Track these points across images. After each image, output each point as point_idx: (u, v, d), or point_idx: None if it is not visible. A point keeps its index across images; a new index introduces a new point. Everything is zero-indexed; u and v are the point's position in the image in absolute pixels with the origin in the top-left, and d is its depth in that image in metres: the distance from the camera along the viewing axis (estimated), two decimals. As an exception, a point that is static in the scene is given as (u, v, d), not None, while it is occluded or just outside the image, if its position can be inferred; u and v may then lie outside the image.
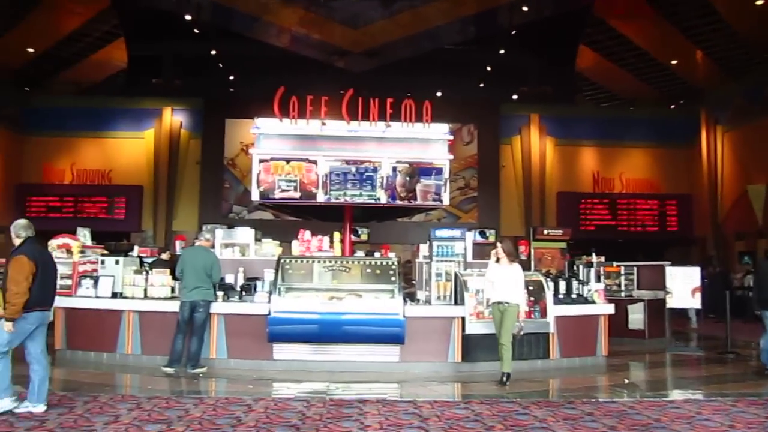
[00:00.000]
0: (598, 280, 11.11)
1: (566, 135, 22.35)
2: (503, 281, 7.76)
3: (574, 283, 9.81)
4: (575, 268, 12.19)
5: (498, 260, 7.89)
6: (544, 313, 8.79)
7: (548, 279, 9.31)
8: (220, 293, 8.63)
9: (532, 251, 12.80)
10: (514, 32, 19.75)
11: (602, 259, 12.43)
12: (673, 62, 20.74)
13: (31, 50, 20.02)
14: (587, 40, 20.60)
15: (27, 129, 21.93)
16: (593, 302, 9.40)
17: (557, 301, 9.05)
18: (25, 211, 21.28)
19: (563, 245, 13.22)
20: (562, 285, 9.61)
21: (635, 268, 12.55)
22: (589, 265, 11.96)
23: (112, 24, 19.64)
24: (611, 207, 21.88)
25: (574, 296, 9.55)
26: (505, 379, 7.54)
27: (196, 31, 19.70)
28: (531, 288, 8.99)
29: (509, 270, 7.81)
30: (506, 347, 7.62)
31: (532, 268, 11.99)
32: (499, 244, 8.07)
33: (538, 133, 22.17)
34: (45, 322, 6.20)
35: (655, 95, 23.10)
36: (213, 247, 9.21)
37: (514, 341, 7.70)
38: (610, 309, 9.43)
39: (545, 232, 13.41)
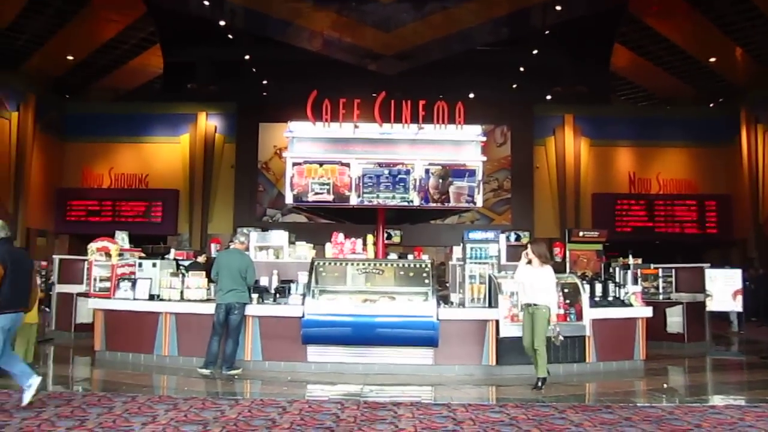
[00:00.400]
0: (635, 282, 10.89)
1: (601, 135, 22.08)
2: (534, 284, 7.66)
3: (611, 286, 9.65)
4: (611, 270, 11.98)
5: (529, 262, 7.80)
6: (580, 316, 8.68)
7: (584, 281, 9.18)
8: (254, 296, 8.71)
9: (568, 253, 12.63)
10: (547, 32, 19.55)
11: (639, 261, 12.20)
12: (711, 60, 20.28)
13: (70, 58, 20.54)
14: (622, 38, 20.30)
15: (67, 135, 22.55)
16: (630, 305, 9.23)
17: (593, 304, 8.91)
18: (66, 215, 21.86)
19: (599, 247, 13.01)
20: (599, 287, 9.47)
21: (673, 270, 12.28)
22: (626, 267, 11.75)
23: (148, 31, 20.02)
24: (648, 208, 21.53)
25: (610, 299, 9.40)
26: (540, 384, 7.44)
27: (230, 36, 19.96)
28: (566, 290, 8.89)
29: (540, 272, 7.69)
30: (540, 352, 7.50)
31: (568, 270, 11.83)
32: (529, 246, 7.98)
33: (572, 134, 21.93)
34: (17, 325, 6.26)
35: (692, 94, 22.63)
36: (248, 249, 9.30)
37: (549, 345, 7.59)
38: (648, 312, 9.24)
39: (581, 234, 13.22)
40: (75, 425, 5.48)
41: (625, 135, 22.17)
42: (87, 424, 5.53)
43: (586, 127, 22.04)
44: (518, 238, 12.20)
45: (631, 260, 11.95)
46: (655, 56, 20.90)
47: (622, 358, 8.97)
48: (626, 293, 9.47)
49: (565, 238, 13.25)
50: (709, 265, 11.75)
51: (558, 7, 16.97)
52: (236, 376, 8.03)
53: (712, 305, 11.05)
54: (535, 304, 7.57)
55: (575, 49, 20.86)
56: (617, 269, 11.79)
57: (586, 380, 8.29)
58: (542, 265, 7.74)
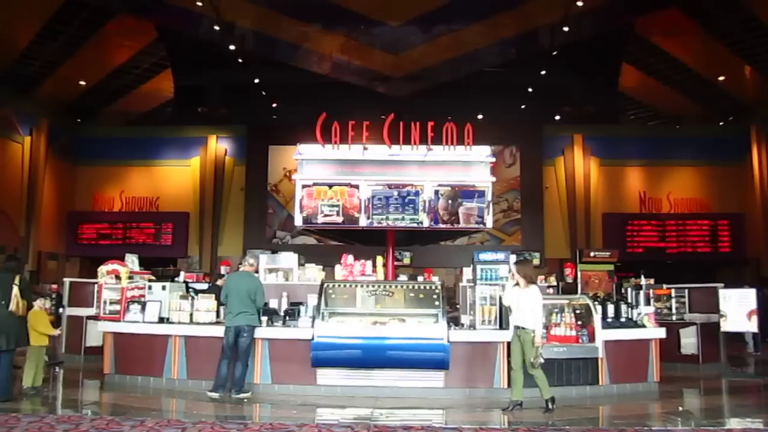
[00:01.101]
0: (647, 303, 10.80)
1: (611, 155, 22.05)
2: (520, 305, 7.56)
3: (623, 307, 9.52)
4: (623, 291, 11.88)
5: (517, 283, 7.71)
6: (592, 338, 8.59)
7: (596, 302, 9.09)
8: (264, 318, 8.67)
9: (579, 274, 12.54)
10: (555, 53, 19.65)
11: (651, 281, 12.09)
12: (720, 78, 20.26)
13: (82, 83, 20.80)
14: (630, 58, 20.33)
15: (78, 159, 22.78)
16: (643, 326, 9.11)
17: (606, 325, 8.81)
18: (77, 238, 21.98)
19: (610, 267, 12.92)
20: (611, 308, 9.34)
21: (686, 291, 12.14)
22: (638, 287, 11.65)
23: (159, 56, 20.25)
24: (660, 228, 21.37)
25: (623, 320, 9.28)
26: (550, 405, 7.33)
27: (240, 60, 20.17)
28: (578, 312, 8.82)
29: (526, 293, 7.58)
30: (537, 375, 7.41)
31: (579, 291, 11.74)
32: (514, 267, 7.91)
33: (581, 154, 21.92)
34: None
35: (702, 112, 22.59)
36: (257, 272, 9.28)
37: (533, 369, 7.41)
38: (662, 333, 9.12)
39: (591, 254, 13.14)
40: (83, 451, 5.44)
41: (634, 154, 22.13)
42: (95, 449, 5.50)
43: (595, 147, 22.03)
44: (524, 259, 12.08)
45: (643, 280, 11.84)
46: (664, 75, 20.91)
47: (636, 380, 8.83)
48: (639, 314, 9.35)
49: (576, 258, 13.17)
50: (722, 285, 11.62)
51: (565, 28, 17.03)
52: (245, 400, 7.98)
53: (726, 326, 10.90)
54: (522, 328, 7.47)
55: (583, 69, 20.90)
56: (629, 290, 11.69)
57: (600, 403, 8.17)
58: (528, 285, 7.62)
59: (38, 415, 6.76)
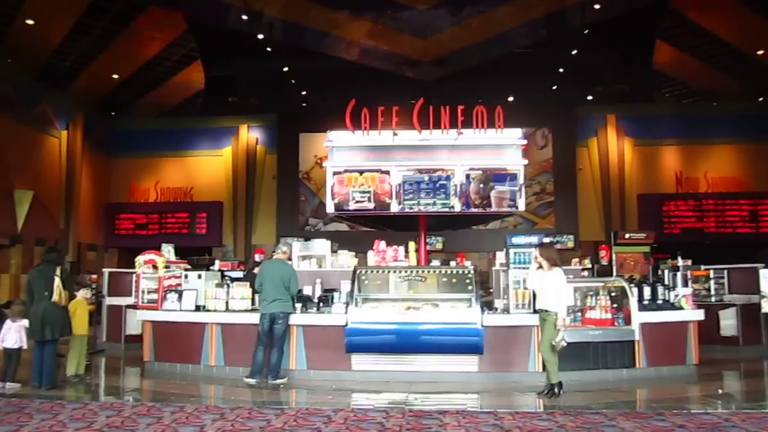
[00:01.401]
0: (685, 284, 10.60)
1: (646, 135, 21.61)
2: (543, 288, 7.51)
3: (660, 289, 9.39)
4: (660, 272, 11.71)
5: (540, 266, 7.63)
6: (628, 320, 8.49)
7: (631, 285, 8.96)
8: (298, 305, 8.75)
9: (614, 256, 12.40)
10: (586, 31, 19.28)
11: (689, 262, 11.87)
12: (759, 52, 19.67)
13: (115, 77, 21.12)
14: (664, 34, 19.86)
15: (114, 151, 23.20)
16: (681, 308, 8.96)
17: (642, 308, 8.69)
18: (114, 229, 22.44)
19: (646, 249, 12.74)
20: (647, 290, 9.23)
21: (726, 272, 11.89)
22: (675, 269, 11.45)
23: (189, 47, 20.45)
24: (697, 208, 20.93)
25: (660, 302, 9.15)
26: (557, 389, 7.27)
27: (269, 49, 20.23)
28: (613, 294, 8.72)
29: (549, 276, 7.49)
30: (546, 358, 7.37)
31: (614, 273, 11.60)
32: (537, 250, 7.83)
33: (615, 134, 21.54)
34: None
35: (739, 88, 21.98)
36: (290, 259, 9.36)
37: (554, 352, 7.35)
38: (700, 315, 8.95)
39: (627, 236, 12.99)
40: (126, 436, 5.58)
41: (670, 133, 21.64)
42: (137, 434, 5.63)
43: (629, 127, 21.62)
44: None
45: (680, 262, 11.62)
46: (699, 51, 20.38)
47: (674, 363, 8.70)
48: (676, 296, 9.20)
49: (611, 240, 13.02)
50: (763, 265, 11.34)
51: (596, 6, 16.68)
52: (282, 386, 8.08)
53: (767, 307, 10.65)
54: (545, 310, 7.43)
55: (616, 48, 20.50)
56: (666, 271, 11.52)
57: (637, 386, 8.07)
58: (551, 268, 7.53)
59: (82, 401, 6.94)
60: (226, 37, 19.37)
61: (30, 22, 16.56)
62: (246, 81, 22.98)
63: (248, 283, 9.32)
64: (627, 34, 19.52)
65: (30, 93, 19.19)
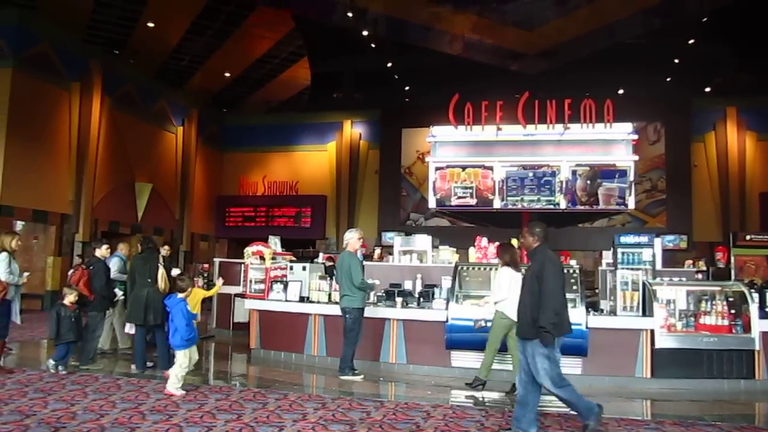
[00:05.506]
0: (814, 291, 9.79)
1: (770, 128, 20.11)
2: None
3: (784, 295, 8.73)
4: (785, 277, 10.89)
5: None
6: (747, 328, 7.95)
7: (752, 290, 8.38)
8: (398, 299, 8.77)
9: (732, 258, 11.64)
10: (705, 19, 18.15)
11: (819, 266, 10.99)
12: None
13: (227, 75, 22.05)
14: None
15: (225, 146, 24.32)
16: (809, 316, 8.30)
17: (763, 315, 8.11)
18: (225, 221, 23.51)
19: (769, 252, 11.89)
20: (770, 296, 8.60)
21: None
22: (803, 273, 10.63)
23: (296, 45, 20.99)
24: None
25: (784, 309, 8.51)
26: (476, 384, 7.46)
27: (373, 45, 20.44)
28: (731, 300, 8.20)
29: (497, 274, 7.53)
30: (487, 353, 7.56)
31: (733, 277, 10.90)
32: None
33: (735, 128, 20.21)
34: None
35: None
36: (363, 247, 9.20)
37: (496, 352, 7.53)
38: (831, 324, 8.26)
39: (748, 237, 12.15)
40: (232, 419, 5.82)
41: (798, 127, 20.05)
42: (243, 418, 5.86)
43: (751, 120, 20.22)
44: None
45: (808, 266, 10.79)
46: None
47: (800, 375, 8.08)
48: (803, 303, 8.52)
49: (729, 242, 12.23)
50: None
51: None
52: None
53: None
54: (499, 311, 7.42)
55: (737, 35, 19.14)
56: (792, 276, 10.69)
57: (756, 399, 7.56)
58: (502, 266, 7.44)
59: (192, 385, 7.31)
60: (332, 34, 19.73)
61: (151, 25, 17.60)
62: (350, 77, 23.33)
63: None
64: (750, 20, 18.19)
65: (149, 91, 20.45)
